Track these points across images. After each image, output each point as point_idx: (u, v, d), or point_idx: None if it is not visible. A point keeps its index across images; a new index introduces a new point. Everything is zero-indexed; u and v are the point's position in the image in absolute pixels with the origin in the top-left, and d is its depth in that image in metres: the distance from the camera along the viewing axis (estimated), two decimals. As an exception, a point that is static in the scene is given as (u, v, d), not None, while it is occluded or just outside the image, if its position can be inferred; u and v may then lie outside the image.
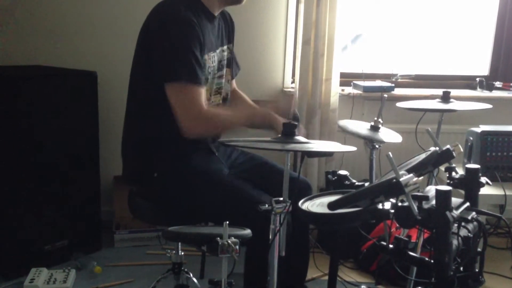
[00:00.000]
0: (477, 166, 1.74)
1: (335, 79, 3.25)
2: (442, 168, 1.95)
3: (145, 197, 2.11)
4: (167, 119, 2.01)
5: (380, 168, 2.65)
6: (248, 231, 1.73)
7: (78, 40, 3.20)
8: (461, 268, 1.49)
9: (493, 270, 2.85)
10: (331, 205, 1.49)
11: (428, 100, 2.78)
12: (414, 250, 1.60)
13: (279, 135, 1.72)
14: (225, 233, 1.57)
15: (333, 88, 3.25)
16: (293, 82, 3.36)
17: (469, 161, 2.93)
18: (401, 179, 1.39)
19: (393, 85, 3.37)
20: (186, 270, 2.04)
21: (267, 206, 1.64)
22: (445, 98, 2.67)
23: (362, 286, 2.55)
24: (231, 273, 1.72)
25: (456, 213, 1.42)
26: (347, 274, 2.81)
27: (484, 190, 1.75)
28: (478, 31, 3.69)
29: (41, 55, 3.16)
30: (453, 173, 1.76)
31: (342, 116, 3.26)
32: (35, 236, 2.74)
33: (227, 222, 1.57)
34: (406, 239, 1.48)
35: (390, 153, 1.45)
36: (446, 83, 3.54)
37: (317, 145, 1.76)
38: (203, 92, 1.97)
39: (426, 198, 1.42)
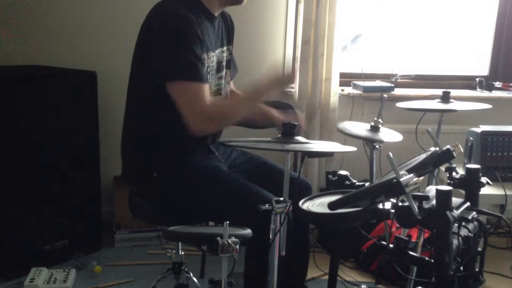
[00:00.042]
0: (477, 166, 1.75)
1: (335, 79, 3.25)
2: (443, 168, 1.96)
3: (145, 197, 2.11)
4: (167, 119, 2.01)
5: (381, 168, 2.65)
6: (248, 231, 1.73)
7: (78, 40, 3.20)
8: (461, 268, 1.50)
9: (493, 269, 2.85)
10: (331, 205, 1.49)
11: (428, 100, 2.78)
12: (414, 250, 1.60)
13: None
14: (226, 232, 1.57)
15: (333, 88, 3.25)
16: (292, 82, 3.36)
17: (469, 161, 2.93)
18: (401, 179, 1.39)
19: (393, 85, 3.37)
20: (186, 269, 2.04)
21: (267, 206, 1.64)
22: (445, 98, 2.67)
23: (362, 286, 2.54)
24: (231, 273, 1.72)
25: (456, 213, 1.43)
26: (347, 274, 2.81)
27: (484, 190, 1.76)
28: (477, 31, 3.70)
29: (41, 55, 3.16)
30: (454, 173, 1.76)
31: (342, 116, 3.26)
32: (35, 236, 2.74)
33: (227, 221, 1.57)
34: (407, 238, 1.48)
35: (390, 153, 1.46)
36: (446, 83, 3.54)
37: (317, 145, 1.76)
38: (206, 88, 1.96)
39: (427, 198, 1.42)
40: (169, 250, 2.02)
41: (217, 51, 2.12)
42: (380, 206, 1.51)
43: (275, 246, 1.69)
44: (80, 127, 2.87)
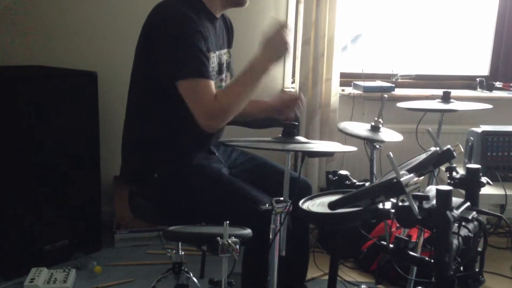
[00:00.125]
0: (477, 166, 1.74)
1: (335, 79, 3.25)
2: (443, 168, 1.95)
3: (145, 197, 2.11)
4: (168, 120, 2.01)
5: (381, 168, 2.65)
6: (248, 231, 1.73)
7: (78, 40, 3.20)
8: (461, 268, 1.49)
9: (493, 269, 2.85)
10: (331, 205, 1.49)
11: (428, 100, 2.78)
12: (414, 250, 1.60)
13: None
14: (226, 232, 1.57)
15: (333, 88, 3.25)
16: (293, 82, 3.36)
17: (469, 161, 2.93)
18: (401, 179, 1.39)
19: (393, 85, 3.37)
20: (186, 269, 2.03)
21: (267, 206, 1.64)
22: (446, 98, 2.67)
23: (362, 286, 2.54)
24: (231, 273, 1.72)
25: (456, 212, 1.42)
26: (347, 274, 2.81)
27: (484, 190, 1.75)
28: (478, 31, 3.70)
29: (41, 55, 3.16)
30: (454, 173, 1.76)
31: (343, 116, 3.26)
32: (35, 236, 2.74)
33: (228, 221, 1.57)
34: (407, 238, 1.48)
35: (390, 153, 1.45)
36: (446, 83, 3.54)
37: (317, 145, 1.76)
38: (213, 84, 1.95)
39: (427, 198, 1.42)
40: (169, 250, 2.02)
41: (217, 53, 2.12)
42: (380, 206, 1.51)
43: (275, 246, 1.68)
44: (80, 127, 2.87)
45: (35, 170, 2.70)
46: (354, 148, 1.76)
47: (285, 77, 3.38)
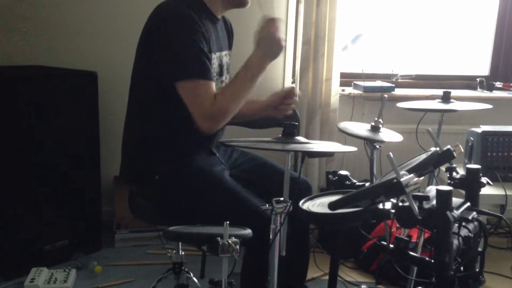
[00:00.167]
0: (477, 166, 1.74)
1: (335, 79, 3.25)
2: (443, 168, 1.95)
3: (146, 197, 2.11)
4: (168, 120, 2.01)
5: (381, 169, 2.64)
6: (248, 231, 1.73)
7: (78, 40, 3.20)
8: (462, 268, 1.49)
9: (493, 270, 2.85)
10: (331, 205, 1.49)
11: (428, 101, 2.77)
12: (414, 250, 1.60)
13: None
14: (226, 233, 1.57)
15: (333, 88, 3.25)
16: (293, 82, 3.36)
17: (469, 161, 2.93)
18: (401, 179, 1.39)
19: (393, 85, 3.37)
20: (186, 270, 2.03)
21: (267, 206, 1.64)
22: (446, 98, 2.67)
23: (363, 286, 2.54)
24: (232, 273, 1.72)
25: (456, 213, 1.42)
26: (347, 274, 2.81)
27: (484, 190, 1.75)
28: (478, 31, 3.69)
29: (41, 55, 3.16)
30: (454, 173, 1.76)
31: (343, 116, 3.26)
32: (35, 236, 2.74)
33: (228, 222, 1.57)
34: (407, 239, 1.48)
35: (390, 153, 1.45)
36: (446, 83, 3.54)
37: (317, 145, 1.76)
38: (213, 85, 1.94)
39: (427, 198, 1.42)
40: (169, 250, 2.02)
41: (218, 54, 2.11)
42: (381, 206, 1.51)
43: (275, 246, 1.68)
44: (81, 127, 2.87)
45: (35, 170, 2.70)
46: (354, 148, 1.76)
47: (285, 77, 3.38)
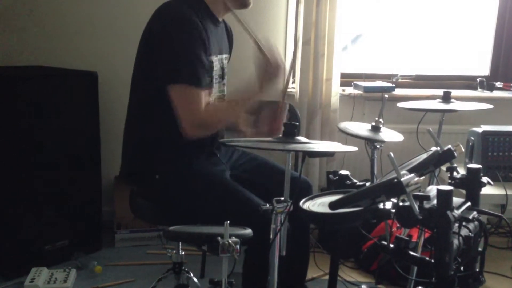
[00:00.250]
0: (478, 166, 1.74)
1: (336, 80, 3.25)
2: (444, 168, 1.95)
3: (146, 197, 2.11)
4: (168, 121, 2.01)
5: (382, 168, 2.64)
6: (248, 231, 1.73)
7: (78, 40, 3.20)
8: (462, 268, 1.49)
9: (493, 269, 2.85)
10: (332, 205, 1.49)
11: (429, 100, 2.78)
12: (414, 250, 1.60)
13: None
14: (226, 232, 1.57)
15: (333, 88, 3.25)
16: (293, 82, 3.36)
17: (470, 161, 2.93)
18: (402, 179, 1.39)
19: (393, 85, 3.37)
20: (186, 269, 2.03)
21: (268, 205, 1.64)
22: (446, 98, 2.67)
23: (363, 286, 2.54)
24: (232, 273, 1.72)
25: (457, 212, 1.42)
26: (347, 274, 2.81)
27: (485, 190, 1.76)
28: (478, 31, 3.69)
29: (41, 55, 3.16)
30: (455, 173, 1.76)
31: (343, 117, 3.26)
32: (35, 236, 2.74)
33: (228, 221, 1.57)
34: (407, 238, 1.48)
35: (391, 153, 1.45)
36: (447, 83, 3.54)
37: (318, 145, 1.76)
38: (203, 94, 1.95)
39: (427, 198, 1.41)
40: (170, 250, 2.02)
41: (220, 56, 2.11)
42: (381, 206, 1.50)
43: (275, 246, 1.68)
44: (81, 127, 2.87)
45: (35, 170, 2.70)
46: (354, 148, 1.76)
47: (285, 77, 3.37)
